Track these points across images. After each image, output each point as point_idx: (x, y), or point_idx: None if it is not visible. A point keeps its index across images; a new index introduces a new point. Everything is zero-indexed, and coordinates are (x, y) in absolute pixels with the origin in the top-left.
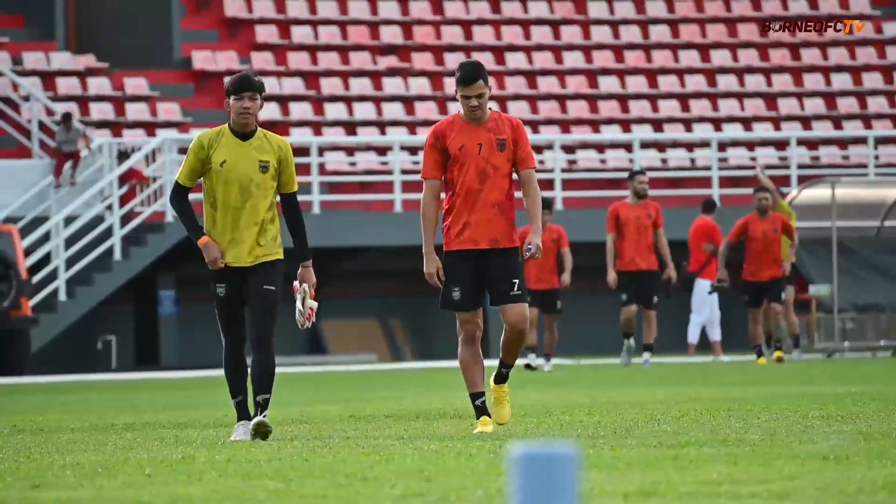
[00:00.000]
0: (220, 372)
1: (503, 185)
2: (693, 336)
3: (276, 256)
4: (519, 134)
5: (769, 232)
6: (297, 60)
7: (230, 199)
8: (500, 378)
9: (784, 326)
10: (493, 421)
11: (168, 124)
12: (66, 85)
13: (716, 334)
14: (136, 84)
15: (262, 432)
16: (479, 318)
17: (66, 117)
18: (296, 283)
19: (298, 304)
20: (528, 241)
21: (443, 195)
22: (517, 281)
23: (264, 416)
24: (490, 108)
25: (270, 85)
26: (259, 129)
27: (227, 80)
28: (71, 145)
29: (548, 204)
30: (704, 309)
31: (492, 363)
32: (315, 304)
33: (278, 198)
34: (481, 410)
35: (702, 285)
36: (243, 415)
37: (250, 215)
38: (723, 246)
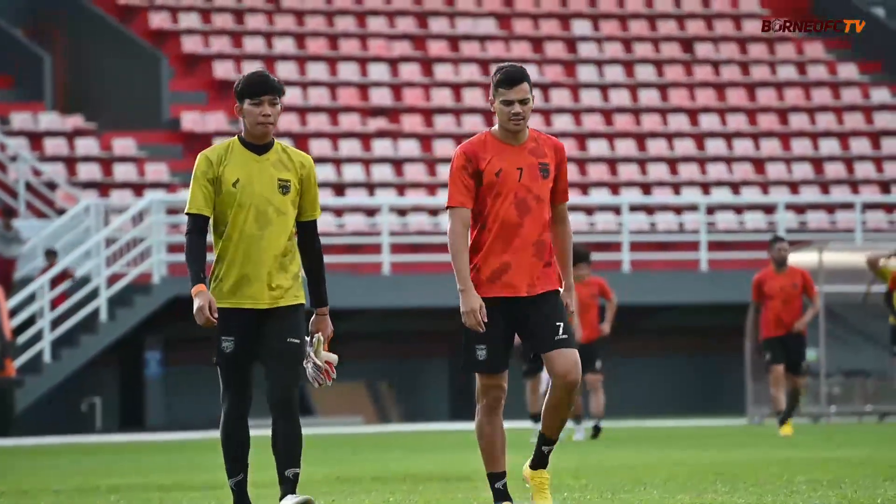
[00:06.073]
0: (206, 434)
1: (544, 219)
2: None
3: (299, 300)
4: (562, 159)
5: (788, 287)
6: (287, 122)
7: (244, 226)
8: (541, 460)
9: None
10: None
11: (156, 185)
12: (53, 145)
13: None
14: (124, 145)
15: None
16: (505, 381)
17: (6, 213)
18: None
19: (312, 357)
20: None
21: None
22: (561, 324)
23: (298, 499)
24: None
25: None
26: (276, 141)
27: (240, 80)
28: (9, 248)
29: (585, 256)
30: None
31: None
32: (335, 357)
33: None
34: (502, 495)
35: None
36: (242, 499)
37: (268, 247)
38: (750, 313)
